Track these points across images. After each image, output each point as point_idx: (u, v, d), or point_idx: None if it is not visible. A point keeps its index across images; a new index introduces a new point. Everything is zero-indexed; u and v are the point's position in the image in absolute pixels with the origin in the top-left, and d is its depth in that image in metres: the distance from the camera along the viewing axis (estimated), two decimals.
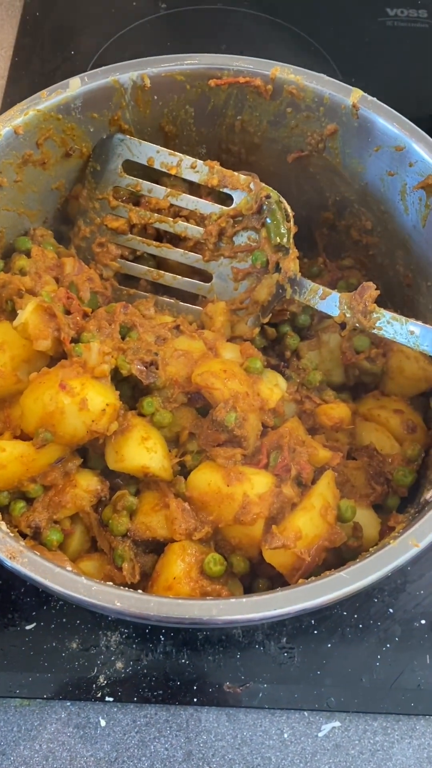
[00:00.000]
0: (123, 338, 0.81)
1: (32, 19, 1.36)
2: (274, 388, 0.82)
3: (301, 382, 0.86)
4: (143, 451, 0.75)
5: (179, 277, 0.92)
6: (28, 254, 0.86)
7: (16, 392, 0.77)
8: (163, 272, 0.92)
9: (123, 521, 0.74)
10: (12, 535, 0.63)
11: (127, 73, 0.84)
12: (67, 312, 0.80)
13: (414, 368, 0.85)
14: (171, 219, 0.89)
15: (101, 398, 0.74)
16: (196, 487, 0.75)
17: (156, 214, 0.89)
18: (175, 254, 0.90)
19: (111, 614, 0.59)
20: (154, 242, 0.90)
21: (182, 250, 0.90)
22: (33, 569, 0.60)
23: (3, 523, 0.64)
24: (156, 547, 0.76)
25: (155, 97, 0.87)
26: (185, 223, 0.89)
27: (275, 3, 1.38)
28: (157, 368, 0.79)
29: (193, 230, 0.89)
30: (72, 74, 1.25)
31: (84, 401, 0.72)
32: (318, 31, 1.35)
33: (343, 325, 0.89)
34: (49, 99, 0.83)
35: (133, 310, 0.84)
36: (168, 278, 0.91)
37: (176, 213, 0.90)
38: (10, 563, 0.60)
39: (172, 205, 0.89)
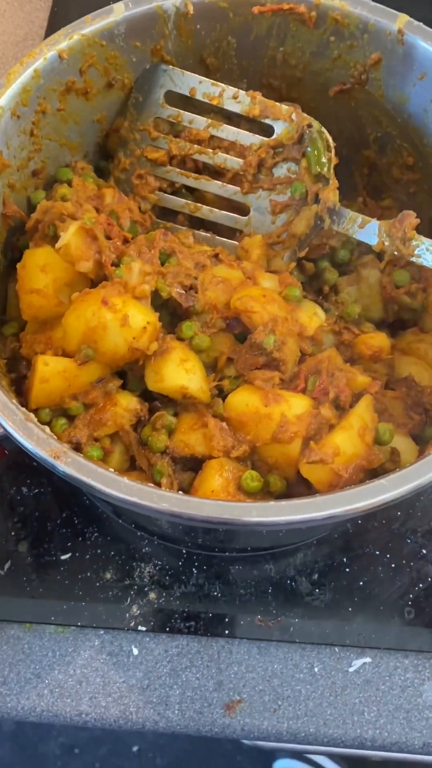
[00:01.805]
0: (162, 264, 0.82)
1: None
2: (312, 316, 0.82)
3: (339, 315, 0.86)
4: (182, 372, 0.76)
5: (216, 210, 0.92)
6: (69, 184, 0.86)
7: (57, 314, 0.78)
8: (200, 205, 0.92)
9: (162, 438, 0.75)
10: (55, 437, 0.64)
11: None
12: (108, 237, 0.80)
13: None
14: (210, 150, 0.89)
15: (142, 316, 0.74)
16: (234, 408, 0.75)
17: (196, 146, 0.89)
18: (214, 186, 0.90)
19: (152, 514, 0.59)
20: (193, 174, 0.90)
21: (220, 183, 0.90)
22: (77, 469, 0.61)
23: (46, 427, 0.65)
24: (193, 465, 0.76)
25: (198, 26, 0.87)
26: (225, 155, 0.89)
27: None
28: (196, 292, 0.79)
29: (232, 162, 0.89)
30: None
31: (125, 317, 0.73)
32: None
33: (382, 259, 0.89)
34: (93, 24, 0.83)
35: (173, 238, 0.84)
36: (205, 211, 0.91)
37: (216, 146, 0.90)
38: (54, 462, 0.61)
39: (212, 137, 0.89)
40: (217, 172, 0.91)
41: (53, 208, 0.80)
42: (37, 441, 0.63)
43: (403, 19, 0.81)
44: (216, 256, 0.84)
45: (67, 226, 0.77)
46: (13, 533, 0.93)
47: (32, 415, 0.65)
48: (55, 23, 1.30)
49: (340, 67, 0.88)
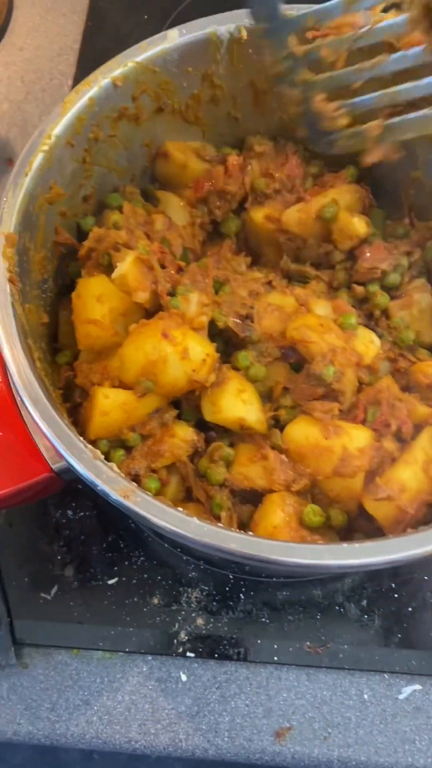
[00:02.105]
0: (216, 293, 0.81)
1: None
2: (369, 344, 0.81)
3: (393, 341, 0.85)
4: (239, 403, 0.75)
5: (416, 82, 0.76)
6: (120, 210, 0.86)
7: (113, 344, 0.78)
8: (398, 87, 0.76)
9: (220, 471, 0.75)
10: (123, 475, 0.63)
11: (224, 25, 0.83)
12: (162, 266, 0.80)
13: None
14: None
15: (201, 348, 0.74)
16: (293, 440, 0.75)
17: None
18: (396, 60, 0.75)
19: (222, 555, 0.59)
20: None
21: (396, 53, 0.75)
22: (146, 508, 0.61)
23: (113, 464, 0.65)
24: (252, 498, 0.76)
25: (250, 51, 0.86)
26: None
27: None
28: (252, 321, 0.79)
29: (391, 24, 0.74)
30: (146, 38, 1.26)
31: (186, 350, 0.73)
32: None
33: None
34: (147, 50, 0.82)
35: (225, 265, 0.83)
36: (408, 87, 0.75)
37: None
38: (124, 502, 0.61)
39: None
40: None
41: (107, 236, 0.80)
42: (107, 480, 0.62)
43: None
44: (269, 283, 0.84)
45: (123, 255, 0.77)
46: (59, 557, 0.92)
47: (98, 452, 0.65)
48: (89, 37, 1.30)
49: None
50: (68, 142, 0.80)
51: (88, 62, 1.26)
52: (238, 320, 0.79)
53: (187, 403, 0.79)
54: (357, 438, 0.73)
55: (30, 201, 0.76)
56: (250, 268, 0.89)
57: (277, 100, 0.91)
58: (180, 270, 0.82)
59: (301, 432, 0.74)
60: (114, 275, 0.77)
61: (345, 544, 0.59)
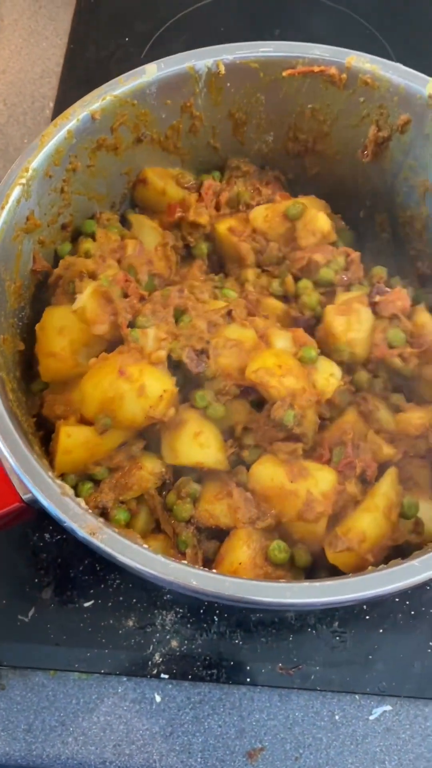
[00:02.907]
0: (177, 321, 0.81)
1: (87, 6, 1.37)
2: (329, 377, 0.80)
3: (351, 381, 0.84)
4: (196, 447, 0.76)
5: None
6: (93, 237, 0.87)
7: (75, 375, 0.78)
8: None
9: (187, 508, 0.75)
10: (91, 512, 0.65)
11: (202, 60, 0.84)
12: (125, 295, 0.80)
13: None
14: None
15: (159, 384, 0.74)
16: (258, 481, 0.75)
17: None
18: None
19: (186, 592, 0.60)
20: None
21: None
22: (111, 545, 0.62)
23: (81, 500, 0.66)
24: (218, 534, 0.77)
25: (228, 84, 0.87)
26: None
27: None
28: (207, 357, 0.78)
29: None
30: (127, 60, 1.28)
31: (143, 387, 0.73)
32: (374, 14, 1.33)
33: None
34: (125, 84, 0.83)
35: (188, 294, 0.83)
36: None
37: None
38: (90, 539, 0.62)
39: None
40: None
41: (74, 264, 0.81)
42: (73, 516, 0.63)
43: None
44: (229, 313, 0.83)
45: (84, 286, 0.78)
46: (36, 580, 0.93)
47: (67, 488, 0.66)
48: (71, 60, 1.30)
49: (368, 124, 0.89)
50: (46, 173, 0.81)
51: (70, 85, 1.27)
52: (193, 355, 0.78)
53: (151, 435, 0.79)
54: (321, 481, 0.73)
55: (6, 233, 0.77)
56: (218, 288, 0.89)
57: (255, 131, 0.93)
58: (143, 299, 0.82)
59: (267, 473, 0.75)
60: (74, 307, 0.77)
61: (306, 583, 0.61)
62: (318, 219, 0.88)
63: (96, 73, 1.24)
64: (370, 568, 0.66)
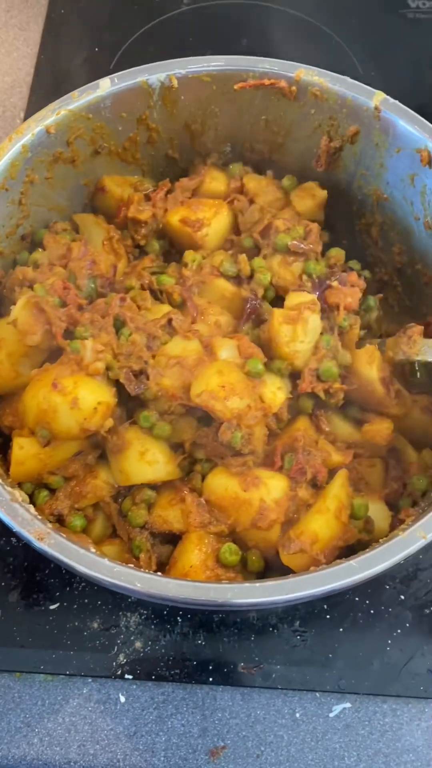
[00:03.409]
0: (117, 332, 0.81)
1: (57, 17, 1.39)
2: (277, 391, 0.80)
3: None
4: (144, 465, 0.77)
5: None
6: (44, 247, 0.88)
7: (19, 386, 0.79)
8: None
9: (141, 513, 0.77)
10: (40, 518, 0.66)
11: (155, 75, 0.86)
12: (64, 304, 0.80)
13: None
14: None
15: (93, 396, 0.75)
16: (213, 491, 0.77)
17: None
18: None
19: (131, 594, 0.62)
20: None
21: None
22: (59, 550, 0.64)
23: (31, 507, 0.67)
24: (172, 538, 0.79)
25: (182, 97, 0.89)
26: None
27: None
28: (147, 378, 0.78)
29: None
30: (96, 70, 1.30)
31: (75, 400, 0.74)
32: (339, 25, 1.36)
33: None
34: (79, 99, 0.85)
35: (130, 303, 0.83)
36: None
37: None
38: (38, 544, 0.64)
39: None
40: None
41: (13, 274, 0.82)
42: (22, 522, 0.65)
43: (379, 96, 0.84)
44: (170, 322, 0.83)
45: (18, 296, 0.78)
46: (2, 583, 0.95)
47: (17, 494, 0.68)
48: (41, 71, 1.32)
49: (320, 135, 0.91)
50: (2, 186, 0.83)
51: (40, 95, 1.29)
52: (131, 376, 0.78)
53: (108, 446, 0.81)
54: (273, 489, 0.75)
55: None
56: (156, 275, 0.88)
57: (213, 142, 0.95)
58: (81, 308, 0.82)
59: (221, 484, 0.77)
60: (8, 319, 0.78)
61: (247, 584, 0.63)
62: (316, 187, 0.90)
63: (66, 83, 1.26)
64: (311, 568, 0.68)
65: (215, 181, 0.95)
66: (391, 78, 1.29)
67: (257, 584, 0.62)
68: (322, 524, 0.73)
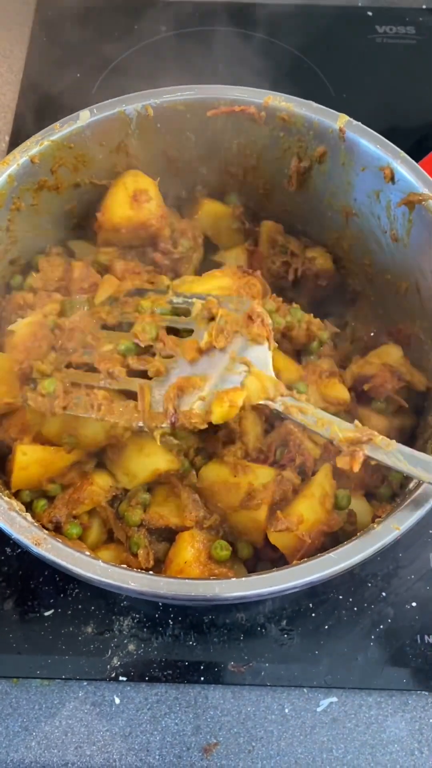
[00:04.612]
0: None
1: (40, 43, 1.44)
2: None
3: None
4: (144, 458, 0.82)
5: None
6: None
7: (15, 408, 0.84)
8: None
9: (137, 512, 0.82)
10: (36, 525, 0.70)
11: (132, 105, 0.91)
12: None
13: None
14: None
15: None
16: (206, 478, 0.83)
17: None
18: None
19: (125, 593, 0.66)
20: None
21: None
22: (56, 554, 0.68)
23: (28, 514, 0.71)
24: (168, 536, 0.83)
25: (158, 125, 0.94)
26: None
27: (269, 24, 1.45)
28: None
29: None
30: (78, 95, 1.34)
31: None
32: (311, 50, 1.42)
33: None
34: (62, 130, 0.90)
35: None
36: None
37: None
38: (35, 549, 0.68)
39: None
40: None
41: (13, 299, 0.87)
42: (19, 529, 0.69)
43: (343, 119, 0.90)
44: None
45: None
46: None
47: (14, 503, 0.72)
48: (25, 95, 1.37)
49: (290, 156, 0.96)
50: None
51: (24, 119, 1.34)
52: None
53: (104, 453, 0.85)
54: (261, 475, 0.81)
55: None
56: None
57: (189, 166, 1.00)
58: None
59: (213, 472, 0.82)
60: (8, 327, 0.84)
61: (234, 579, 0.67)
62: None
63: (49, 108, 1.30)
64: (294, 562, 0.72)
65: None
66: (362, 101, 1.35)
67: (243, 579, 0.66)
68: (307, 507, 0.78)
